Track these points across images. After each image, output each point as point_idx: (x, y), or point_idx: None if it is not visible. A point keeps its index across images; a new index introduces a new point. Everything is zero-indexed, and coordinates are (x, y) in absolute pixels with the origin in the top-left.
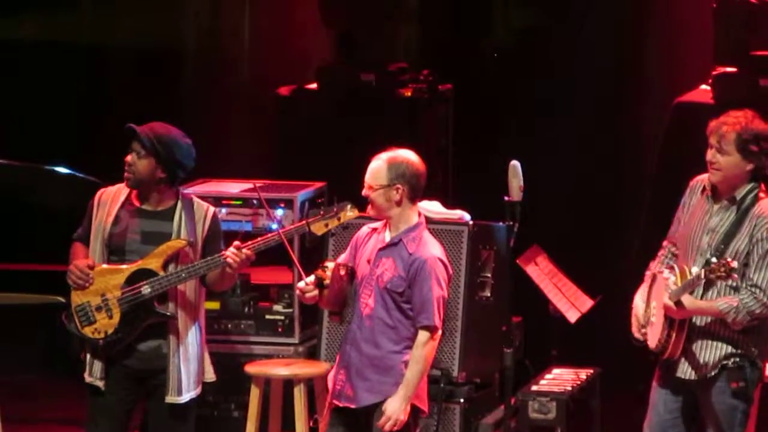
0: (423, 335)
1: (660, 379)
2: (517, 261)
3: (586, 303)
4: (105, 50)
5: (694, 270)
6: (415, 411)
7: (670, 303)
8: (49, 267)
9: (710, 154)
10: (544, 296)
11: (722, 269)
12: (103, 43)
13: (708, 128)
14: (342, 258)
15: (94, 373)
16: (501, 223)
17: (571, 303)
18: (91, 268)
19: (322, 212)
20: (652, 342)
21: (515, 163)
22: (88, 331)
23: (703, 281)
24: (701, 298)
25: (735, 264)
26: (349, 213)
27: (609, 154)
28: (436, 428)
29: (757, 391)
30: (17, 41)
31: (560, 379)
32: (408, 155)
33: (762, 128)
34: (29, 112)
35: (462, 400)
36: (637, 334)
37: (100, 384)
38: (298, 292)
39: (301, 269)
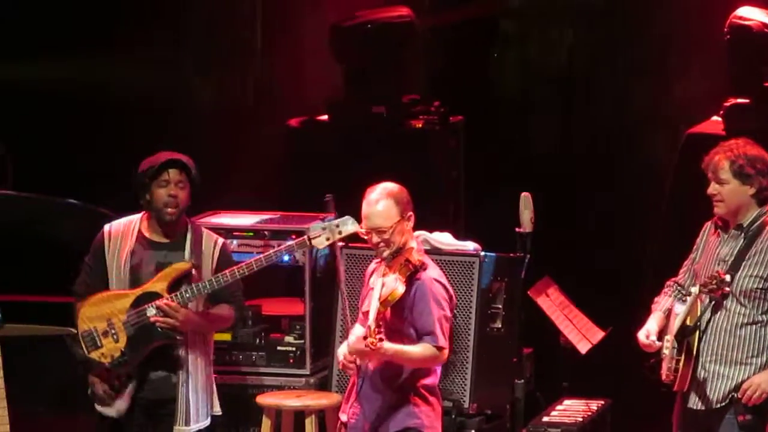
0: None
1: (677, 415)
2: (529, 292)
3: (597, 334)
4: (111, 84)
5: (693, 290)
6: None
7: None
8: (59, 299)
9: (710, 188)
10: (555, 327)
11: (714, 282)
12: (109, 76)
13: (703, 164)
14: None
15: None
16: (512, 255)
17: (582, 334)
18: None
19: (323, 226)
20: (664, 374)
21: (526, 195)
22: (95, 355)
23: (700, 296)
24: (708, 324)
25: (727, 277)
26: (350, 226)
27: (623, 187)
28: None
29: None
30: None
31: (571, 410)
32: (393, 185)
33: (754, 151)
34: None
35: None
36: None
37: (112, 412)
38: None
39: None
